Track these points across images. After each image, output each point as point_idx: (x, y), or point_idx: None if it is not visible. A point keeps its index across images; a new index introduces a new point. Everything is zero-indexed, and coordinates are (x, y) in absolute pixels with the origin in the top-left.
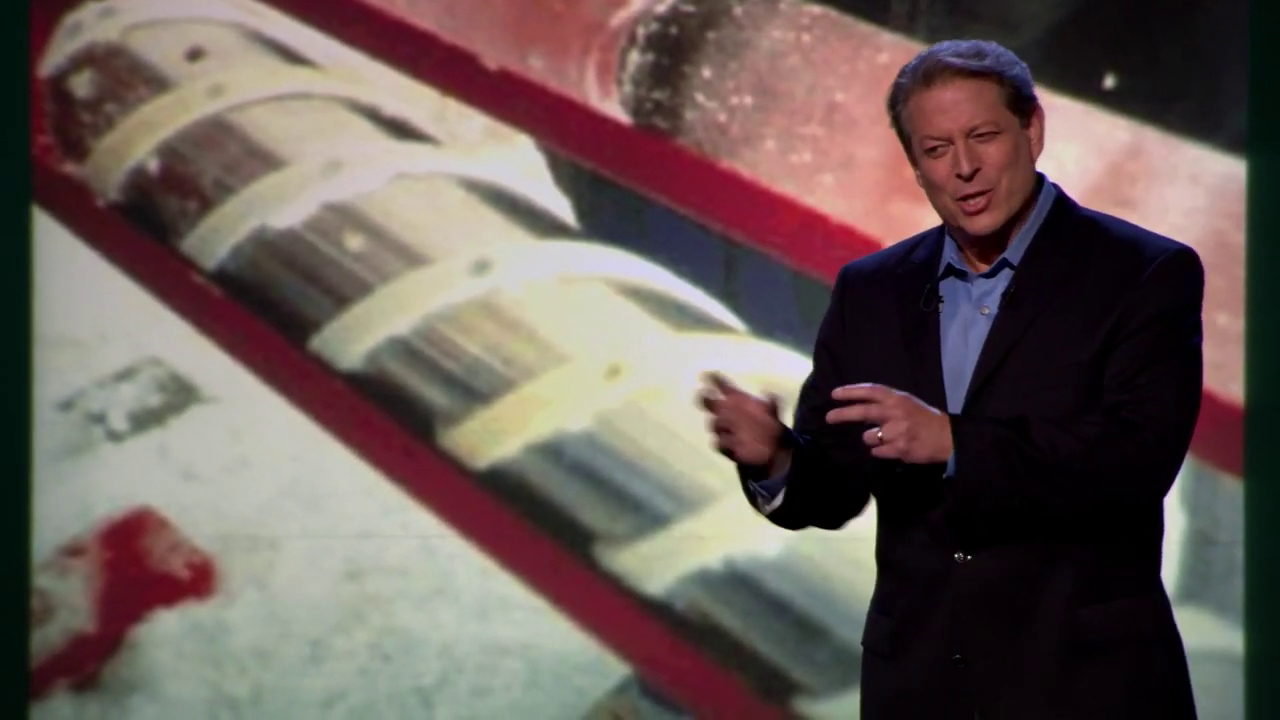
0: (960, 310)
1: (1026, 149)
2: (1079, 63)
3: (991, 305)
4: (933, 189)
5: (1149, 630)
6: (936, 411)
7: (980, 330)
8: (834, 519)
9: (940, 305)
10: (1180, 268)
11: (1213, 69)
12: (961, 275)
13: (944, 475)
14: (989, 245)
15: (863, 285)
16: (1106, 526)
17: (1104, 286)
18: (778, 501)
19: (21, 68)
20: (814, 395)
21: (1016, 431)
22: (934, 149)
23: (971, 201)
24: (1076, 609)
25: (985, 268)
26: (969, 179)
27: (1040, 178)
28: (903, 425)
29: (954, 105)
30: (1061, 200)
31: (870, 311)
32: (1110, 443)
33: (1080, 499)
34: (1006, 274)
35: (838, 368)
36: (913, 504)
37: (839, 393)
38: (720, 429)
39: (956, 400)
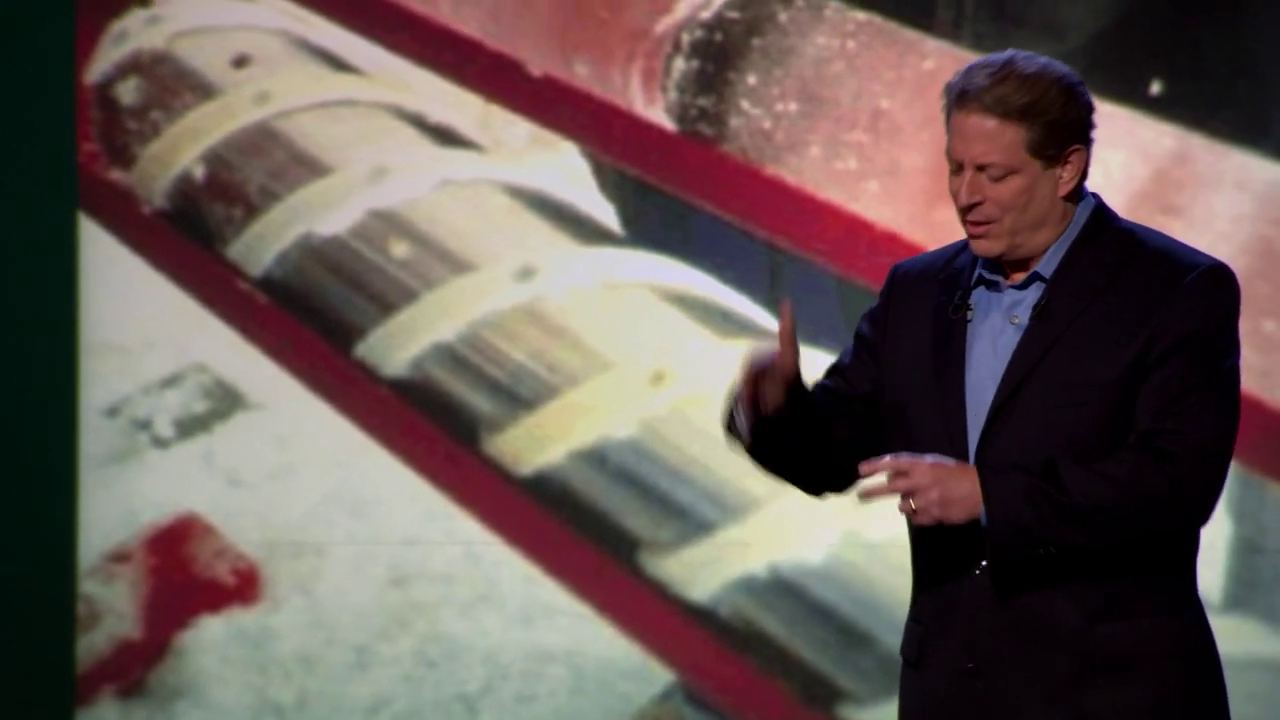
0: (990, 319)
1: (1047, 189)
2: (1125, 69)
3: (1022, 315)
4: (952, 194)
5: (1172, 649)
6: (960, 464)
7: (1009, 340)
8: (813, 483)
9: (970, 314)
10: (1212, 285)
11: (1259, 75)
12: (993, 285)
13: (980, 525)
14: (1019, 258)
15: (908, 286)
16: (1134, 544)
17: (1136, 302)
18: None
19: (68, 75)
20: (836, 376)
21: (1047, 479)
22: (953, 165)
23: (975, 226)
24: (1095, 625)
25: (1018, 278)
26: (968, 210)
27: (1080, 194)
28: (934, 495)
29: (973, 136)
30: (1100, 211)
31: (910, 314)
32: (1143, 480)
33: (1117, 538)
34: (1039, 286)
35: (872, 362)
36: None
37: (865, 468)
38: (758, 377)
39: (977, 410)
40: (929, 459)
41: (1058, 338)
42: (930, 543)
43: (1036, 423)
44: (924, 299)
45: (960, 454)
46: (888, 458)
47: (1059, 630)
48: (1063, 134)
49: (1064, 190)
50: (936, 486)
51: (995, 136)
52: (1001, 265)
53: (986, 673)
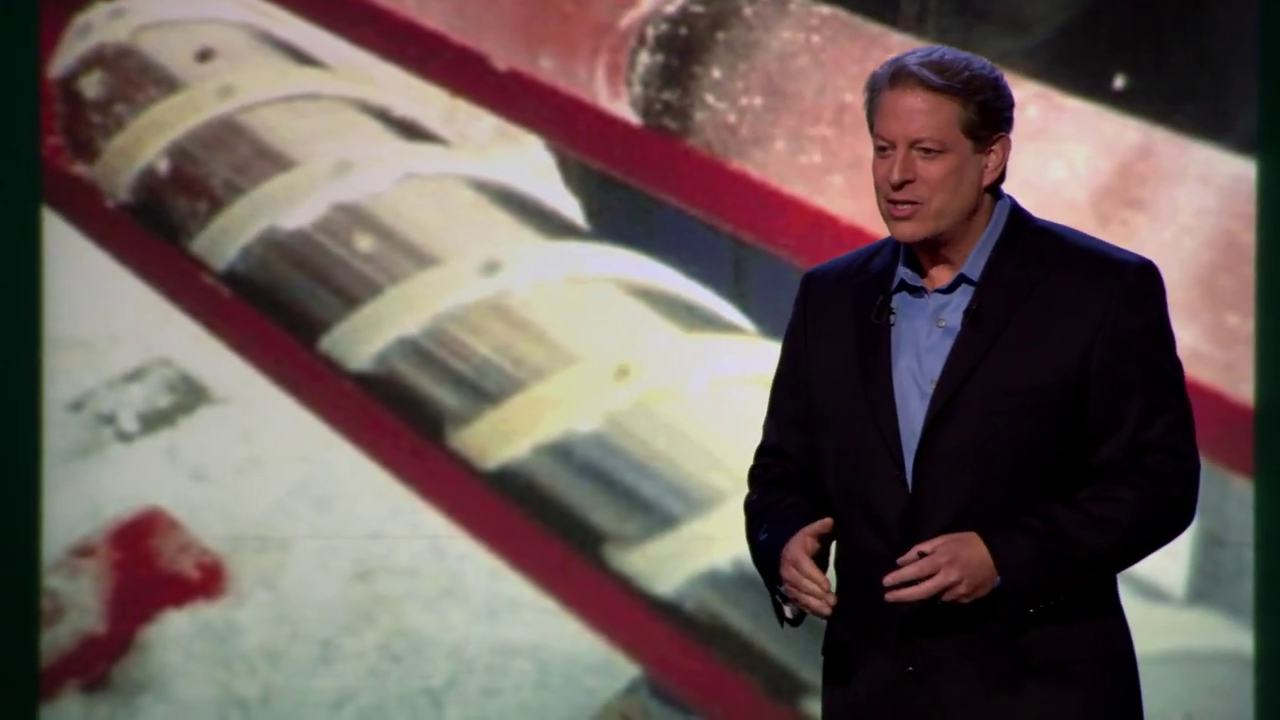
0: (914, 323)
1: (974, 173)
2: (1089, 63)
3: (949, 319)
4: (875, 186)
5: (1103, 653)
6: (960, 536)
7: (937, 344)
8: None
9: (892, 318)
10: (1151, 281)
11: (1222, 70)
12: (915, 289)
13: (993, 587)
14: (940, 259)
15: (824, 293)
16: None
17: (1068, 303)
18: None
19: (31, 69)
20: (785, 405)
21: (1050, 530)
22: (881, 148)
23: (899, 207)
24: (1029, 629)
25: (941, 282)
26: (898, 188)
27: (996, 192)
28: (963, 588)
29: (906, 113)
30: (1016, 211)
31: (829, 322)
32: (1145, 514)
33: (1127, 567)
34: (966, 289)
35: (800, 379)
36: (868, 516)
37: (890, 578)
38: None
39: (907, 416)
40: (936, 544)
41: (993, 341)
42: (860, 545)
43: (978, 427)
44: (841, 304)
45: (896, 461)
46: (911, 566)
47: (994, 634)
48: (993, 117)
49: (988, 179)
50: (965, 579)
51: (932, 111)
52: (922, 268)
53: (923, 675)
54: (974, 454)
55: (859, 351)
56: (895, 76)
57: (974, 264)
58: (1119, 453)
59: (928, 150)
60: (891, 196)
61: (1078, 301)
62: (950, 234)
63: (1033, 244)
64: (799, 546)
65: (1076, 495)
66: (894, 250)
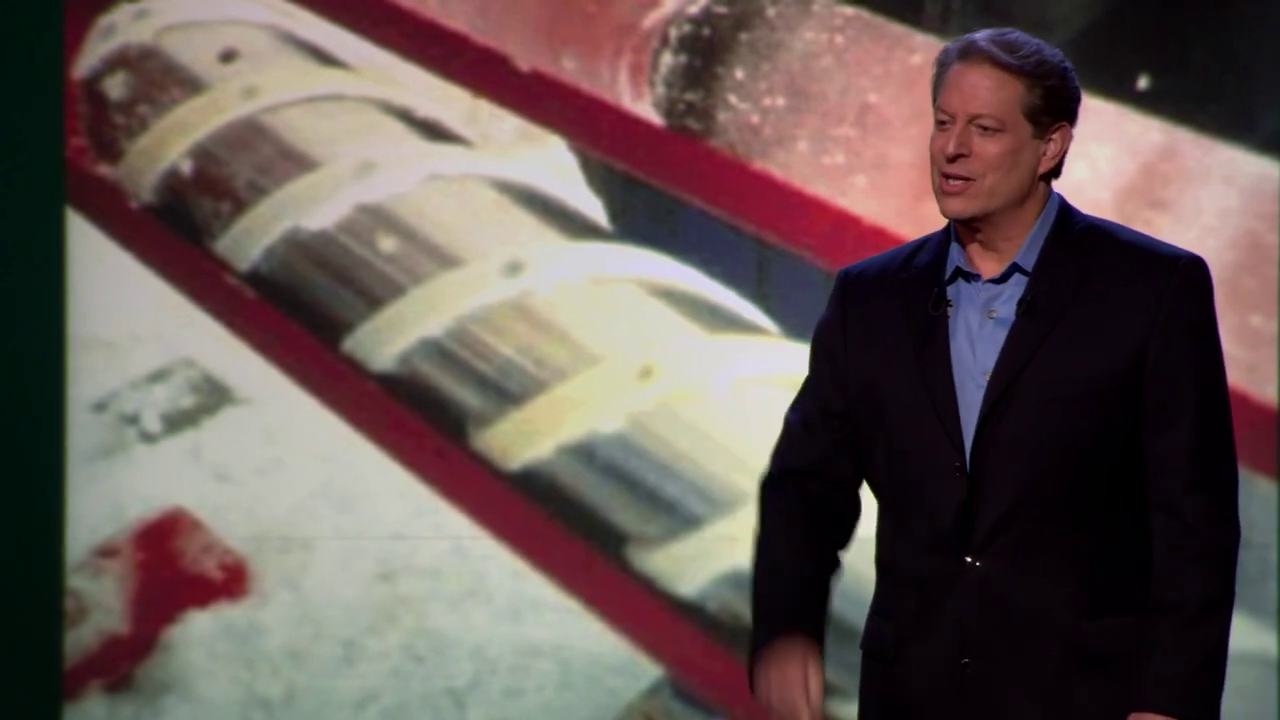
0: (966, 315)
1: (1030, 158)
2: (1112, 64)
3: (1001, 309)
4: (931, 159)
5: None
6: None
7: (990, 335)
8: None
9: (948, 309)
10: (1204, 275)
11: (1246, 70)
12: (969, 278)
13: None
14: (990, 248)
15: (865, 290)
16: (1115, 541)
17: (1121, 296)
18: None
19: (55, 70)
20: (808, 401)
21: (1187, 669)
22: (942, 122)
23: (951, 182)
24: (1084, 622)
25: (991, 273)
26: (952, 160)
27: (1047, 187)
28: None
29: (971, 87)
30: (1066, 206)
31: (874, 317)
32: (1210, 575)
33: (1230, 599)
34: (1019, 279)
35: (839, 375)
36: (920, 508)
37: None
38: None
39: (967, 405)
40: None
41: (1047, 332)
42: (909, 539)
43: (1033, 418)
44: (887, 299)
45: (958, 450)
46: None
47: (1049, 625)
48: (1057, 105)
49: (1044, 167)
50: None
51: (997, 89)
52: (970, 257)
53: (975, 666)
54: (1029, 444)
55: (913, 343)
56: (965, 51)
57: (1027, 254)
58: (1171, 492)
59: (986, 128)
60: (945, 170)
61: (1132, 294)
62: (1000, 219)
63: (1084, 238)
64: (812, 669)
65: (1155, 627)
66: (939, 244)
